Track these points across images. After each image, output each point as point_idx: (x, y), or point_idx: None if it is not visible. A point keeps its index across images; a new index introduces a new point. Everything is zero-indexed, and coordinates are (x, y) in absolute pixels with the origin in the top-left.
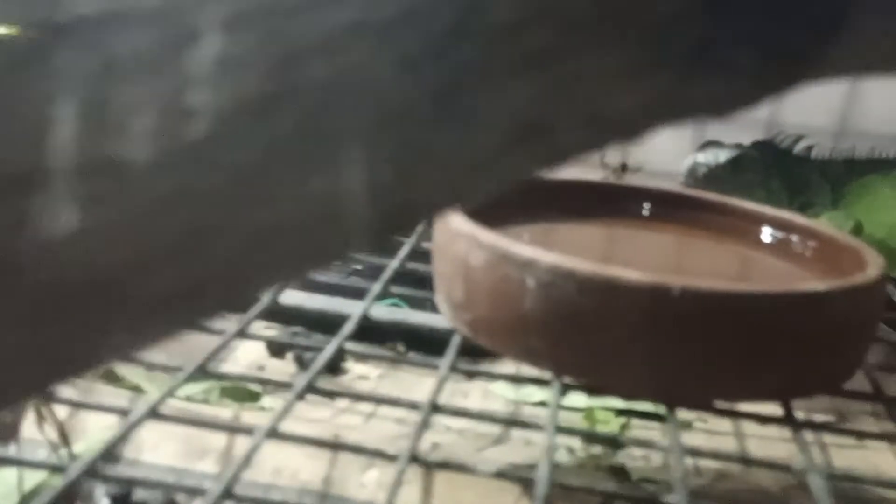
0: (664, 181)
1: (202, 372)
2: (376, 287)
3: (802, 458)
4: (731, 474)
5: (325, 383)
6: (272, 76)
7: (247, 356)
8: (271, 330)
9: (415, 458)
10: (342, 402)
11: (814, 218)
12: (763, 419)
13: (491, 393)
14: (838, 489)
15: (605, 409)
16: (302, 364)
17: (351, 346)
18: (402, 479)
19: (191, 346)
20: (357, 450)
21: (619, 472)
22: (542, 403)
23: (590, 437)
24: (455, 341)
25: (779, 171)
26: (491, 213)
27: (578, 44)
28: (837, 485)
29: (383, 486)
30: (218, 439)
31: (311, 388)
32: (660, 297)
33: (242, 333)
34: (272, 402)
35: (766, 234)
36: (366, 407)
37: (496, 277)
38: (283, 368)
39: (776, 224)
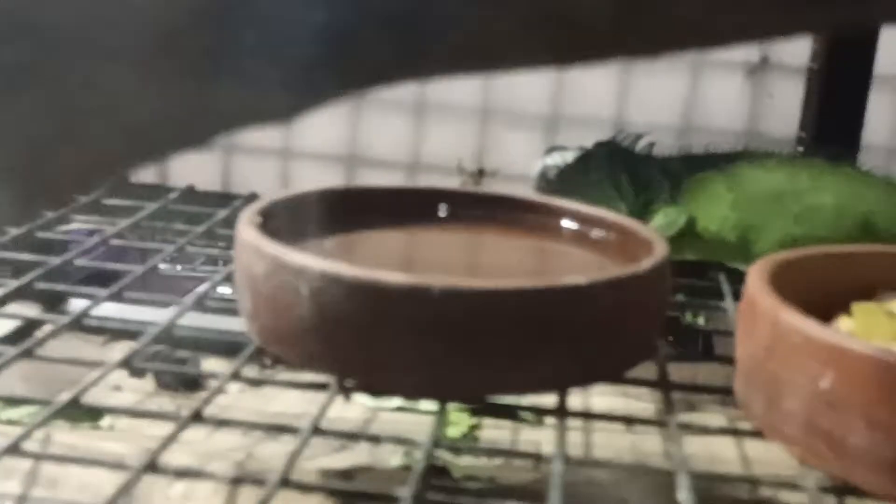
0: (519, 185)
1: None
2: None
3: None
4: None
5: (184, 401)
6: None
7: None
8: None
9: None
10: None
11: (653, 213)
12: (539, 411)
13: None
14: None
15: (459, 411)
16: (162, 383)
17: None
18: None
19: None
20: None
21: (442, 472)
22: (401, 409)
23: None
24: (247, 350)
25: (624, 169)
26: (293, 226)
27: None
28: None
29: (189, 498)
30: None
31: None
32: (421, 298)
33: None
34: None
35: (568, 226)
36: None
37: (275, 286)
38: (141, 387)
39: (577, 217)
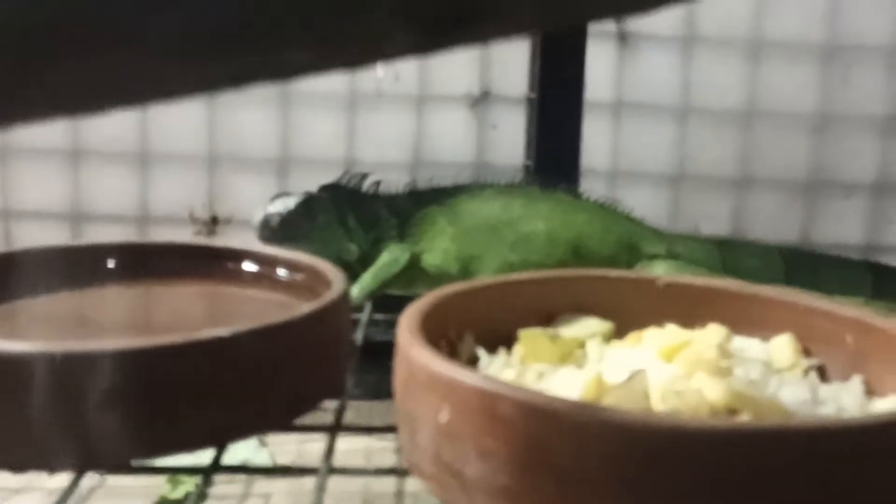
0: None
1: None
2: None
3: None
4: None
5: None
6: None
7: None
8: None
9: None
10: None
11: (382, 251)
12: (190, 471)
13: None
14: None
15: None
16: None
17: None
18: None
19: None
20: None
21: None
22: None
23: None
24: None
25: (351, 209)
26: None
27: None
28: None
29: None
30: None
31: None
32: (45, 366)
33: None
34: None
35: (252, 269)
36: None
37: None
38: None
39: (260, 259)
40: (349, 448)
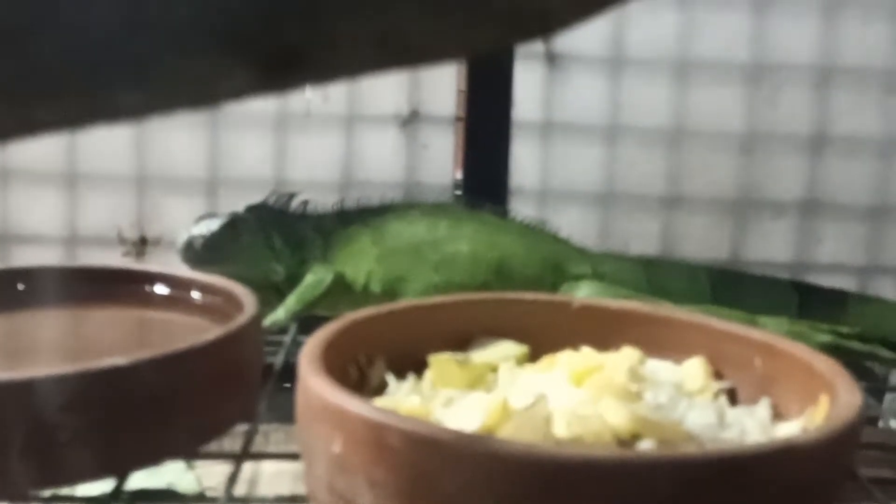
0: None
1: None
2: None
3: None
4: None
5: None
6: None
7: None
8: None
9: None
10: None
11: (307, 272)
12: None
13: None
14: None
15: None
16: None
17: None
18: None
19: None
20: None
21: None
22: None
23: None
24: None
25: (276, 229)
26: None
27: None
28: None
29: None
30: None
31: None
32: None
33: None
34: None
35: (167, 292)
36: None
37: None
38: None
39: (175, 283)
40: (278, 470)
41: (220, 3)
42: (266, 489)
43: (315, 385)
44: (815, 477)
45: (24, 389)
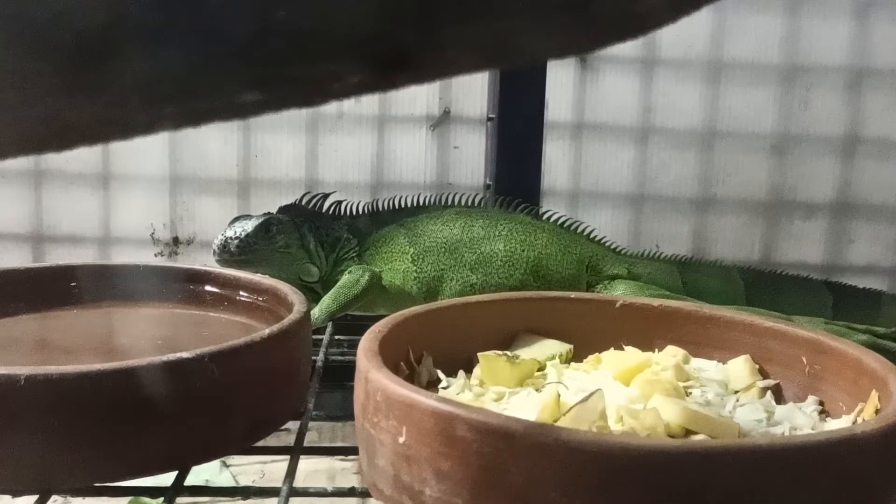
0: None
1: None
2: None
3: None
4: None
5: None
6: None
7: None
8: None
9: None
10: None
11: (343, 272)
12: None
13: None
14: None
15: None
16: None
17: None
18: None
19: None
20: None
21: None
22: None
23: None
24: None
25: (310, 230)
26: None
27: None
28: None
29: None
30: None
31: None
32: (7, 388)
33: None
34: None
35: (213, 291)
36: None
37: None
38: None
39: (220, 281)
40: (312, 469)
41: (344, 9)
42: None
43: (377, 379)
44: (874, 469)
45: (89, 382)
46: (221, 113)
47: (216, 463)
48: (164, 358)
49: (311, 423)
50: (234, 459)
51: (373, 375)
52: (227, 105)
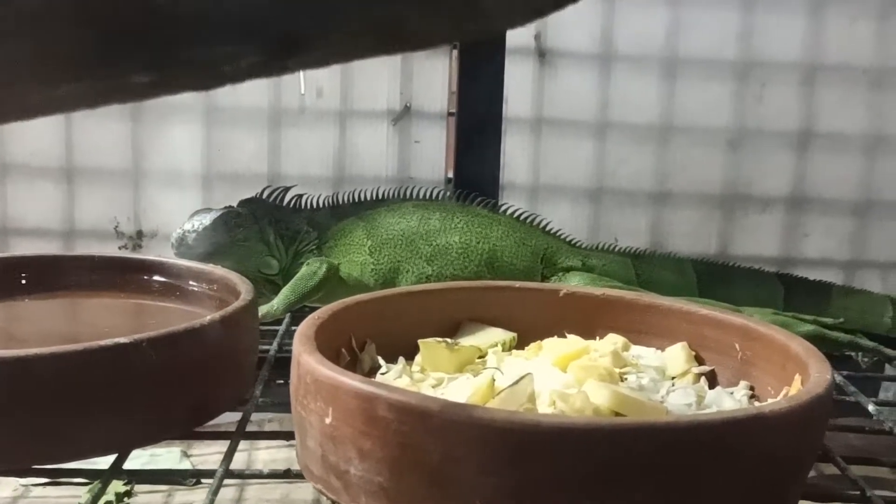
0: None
1: None
2: None
3: None
4: None
5: None
6: None
7: None
8: None
9: None
10: None
11: (303, 264)
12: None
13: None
14: None
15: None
16: None
17: None
18: None
19: None
20: None
21: None
22: (53, 483)
23: None
24: None
25: (271, 223)
26: None
27: None
28: None
29: None
30: None
31: None
32: None
33: None
34: None
35: (164, 281)
36: None
37: None
38: None
39: (171, 272)
40: (272, 458)
41: None
42: None
43: (307, 362)
44: (786, 445)
45: (27, 366)
46: (116, 94)
47: (177, 452)
48: (102, 343)
49: (274, 415)
50: (196, 449)
51: (304, 359)
52: (120, 85)
